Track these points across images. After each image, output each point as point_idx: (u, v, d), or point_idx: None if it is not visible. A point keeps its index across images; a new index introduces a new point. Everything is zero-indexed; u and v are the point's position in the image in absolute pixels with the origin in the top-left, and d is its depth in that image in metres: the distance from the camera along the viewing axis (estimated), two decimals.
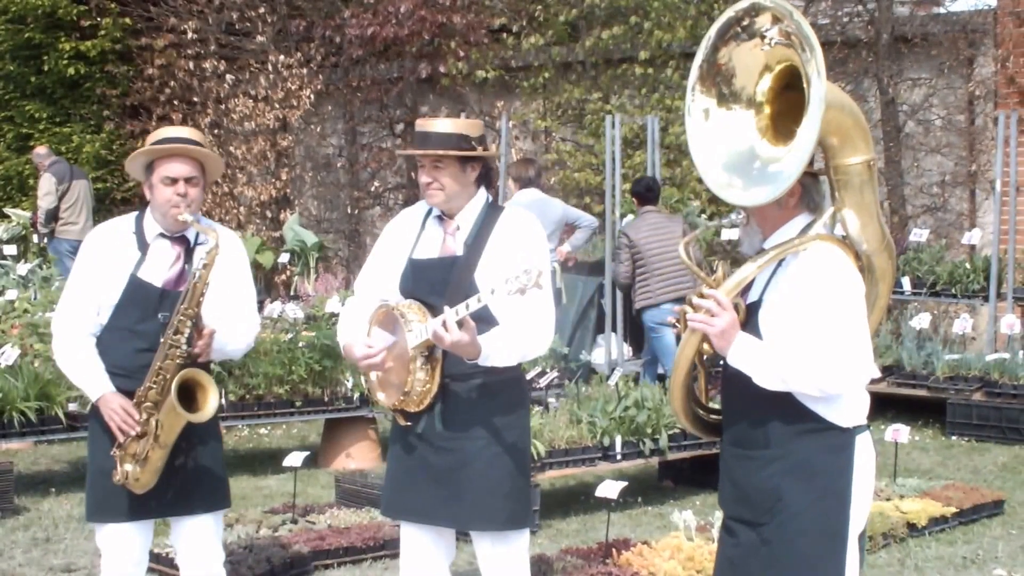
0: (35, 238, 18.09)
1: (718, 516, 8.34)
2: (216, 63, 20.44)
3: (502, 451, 5.46)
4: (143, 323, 5.75)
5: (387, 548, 8.27)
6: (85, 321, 5.84)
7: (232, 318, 5.90)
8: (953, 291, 13.43)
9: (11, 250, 16.78)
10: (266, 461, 11.36)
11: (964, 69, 16.43)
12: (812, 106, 4.38)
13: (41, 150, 18.46)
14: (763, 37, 4.60)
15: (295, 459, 9.02)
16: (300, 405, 11.15)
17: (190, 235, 5.84)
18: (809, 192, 4.74)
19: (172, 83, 20.74)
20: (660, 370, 12.89)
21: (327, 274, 17.42)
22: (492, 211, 5.55)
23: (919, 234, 13.74)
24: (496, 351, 5.27)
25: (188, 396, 5.65)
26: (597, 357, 14.22)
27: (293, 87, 19.90)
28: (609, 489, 7.90)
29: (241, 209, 20.47)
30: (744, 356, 4.57)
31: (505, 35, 19.01)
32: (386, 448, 10.76)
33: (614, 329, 14.81)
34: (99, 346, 5.83)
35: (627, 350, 15.11)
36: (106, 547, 5.93)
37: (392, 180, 20.44)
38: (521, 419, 5.61)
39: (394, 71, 19.95)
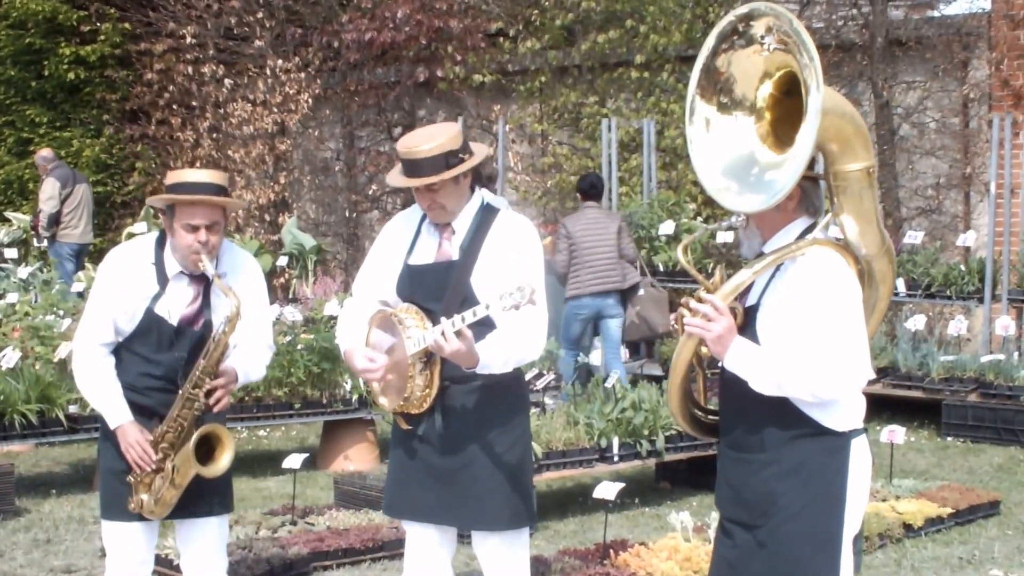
0: (35, 241, 18.07)
1: (715, 517, 8.34)
2: (215, 68, 20.44)
3: (503, 451, 5.45)
4: (157, 354, 5.77)
5: (385, 549, 8.27)
6: (105, 344, 5.85)
7: (251, 346, 5.92)
8: (948, 293, 13.43)
9: (12, 253, 16.75)
10: (265, 463, 11.35)
11: (958, 72, 16.44)
12: (809, 116, 4.37)
13: (45, 153, 18.43)
14: (761, 43, 4.58)
15: (294, 461, 9.01)
16: (299, 407, 11.15)
17: (208, 270, 5.79)
18: (809, 196, 4.73)
19: (171, 87, 20.76)
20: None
21: (325, 277, 17.40)
22: (487, 214, 5.53)
23: (914, 236, 13.74)
24: (493, 359, 5.26)
25: (205, 447, 5.72)
26: (594, 359, 14.20)
27: (291, 91, 19.89)
28: (606, 490, 7.90)
29: (240, 212, 20.44)
30: (740, 361, 4.56)
31: (502, 39, 19.01)
32: (384, 450, 10.80)
33: None
34: (115, 362, 5.86)
35: (624, 353, 15.10)
36: (112, 546, 5.94)
37: (391, 185, 20.38)
38: (521, 420, 5.60)
39: (391, 75, 19.96)
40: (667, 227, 14.43)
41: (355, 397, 11.30)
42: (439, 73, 19.06)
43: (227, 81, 20.35)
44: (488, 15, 19.26)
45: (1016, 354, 12.75)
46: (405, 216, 5.72)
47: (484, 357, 5.21)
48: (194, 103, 20.86)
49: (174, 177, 5.85)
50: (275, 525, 8.74)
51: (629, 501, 9.79)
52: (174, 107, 20.90)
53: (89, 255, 17.87)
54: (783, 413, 4.57)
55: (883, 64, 16.41)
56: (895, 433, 9.49)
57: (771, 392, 4.52)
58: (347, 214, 20.93)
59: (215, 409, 5.72)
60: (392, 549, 8.11)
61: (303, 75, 19.92)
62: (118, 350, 5.86)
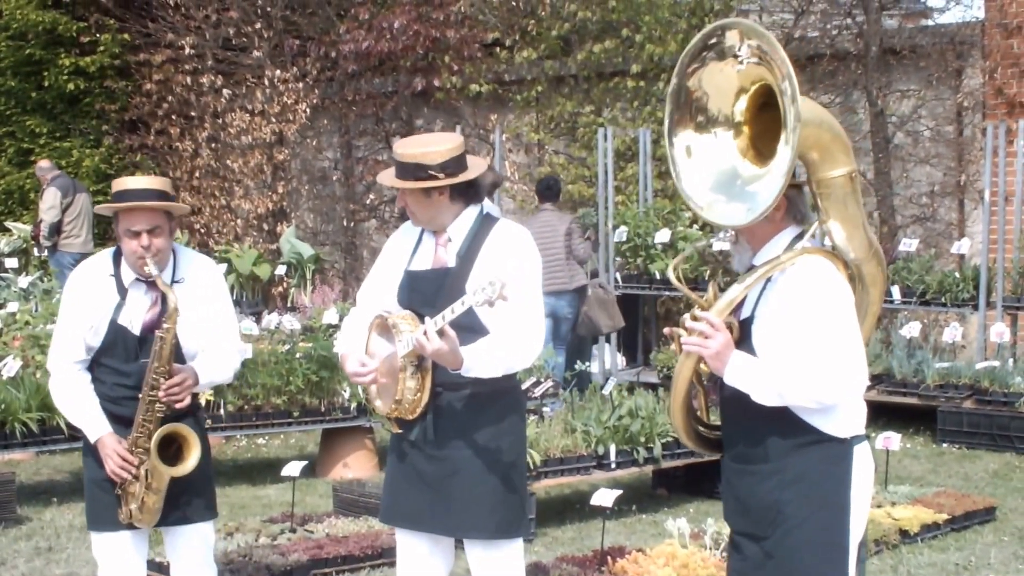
0: (36, 251, 18.07)
1: (711, 524, 8.36)
2: (213, 78, 20.46)
3: (493, 460, 5.43)
4: (126, 364, 5.80)
5: (384, 556, 8.26)
6: (77, 360, 5.89)
7: (215, 349, 5.93)
8: (943, 300, 13.42)
9: (12, 263, 16.79)
10: (264, 471, 11.34)
11: (952, 81, 16.46)
12: (788, 130, 4.38)
13: (44, 163, 18.43)
14: (736, 57, 4.58)
15: (293, 469, 9.00)
16: (298, 415, 11.15)
17: (166, 276, 5.82)
18: (795, 204, 4.73)
19: (170, 98, 20.78)
20: None
21: (323, 286, 17.40)
22: (485, 223, 5.53)
23: (909, 244, 13.75)
24: (479, 362, 5.24)
25: (174, 448, 5.75)
26: (592, 367, 14.25)
27: (289, 101, 19.91)
28: (604, 497, 7.89)
29: (238, 222, 20.48)
30: (740, 375, 4.56)
31: (498, 49, 19.03)
32: (383, 458, 10.80)
33: (608, 340, 14.84)
34: (93, 378, 5.90)
35: (621, 360, 15.13)
36: (103, 557, 5.94)
37: (388, 193, 20.40)
38: (514, 429, 5.56)
39: (389, 85, 19.97)
40: (663, 235, 14.44)
41: (354, 405, 11.30)
42: (436, 83, 19.07)
43: (225, 91, 20.37)
44: (484, 25, 19.28)
45: (1011, 361, 12.74)
46: (410, 224, 5.74)
47: (468, 359, 5.19)
48: (193, 113, 20.89)
49: (116, 185, 5.91)
50: (274, 533, 8.72)
51: (626, 508, 9.79)
52: (173, 117, 20.92)
53: None
54: (785, 423, 4.58)
55: (877, 73, 16.42)
56: (891, 440, 9.49)
57: (773, 402, 4.52)
58: (345, 223, 20.94)
59: (176, 407, 5.72)
60: (391, 556, 8.04)
61: (301, 85, 19.93)
62: (91, 366, 5.89)
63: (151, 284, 5.81)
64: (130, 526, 5.81)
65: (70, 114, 21.30)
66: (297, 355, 11.26)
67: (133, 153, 21.10)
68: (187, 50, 20.34)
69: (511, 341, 5.30)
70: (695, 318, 4.62)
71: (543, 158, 18.97)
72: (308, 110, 19.98)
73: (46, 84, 20.86)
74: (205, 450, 6.07)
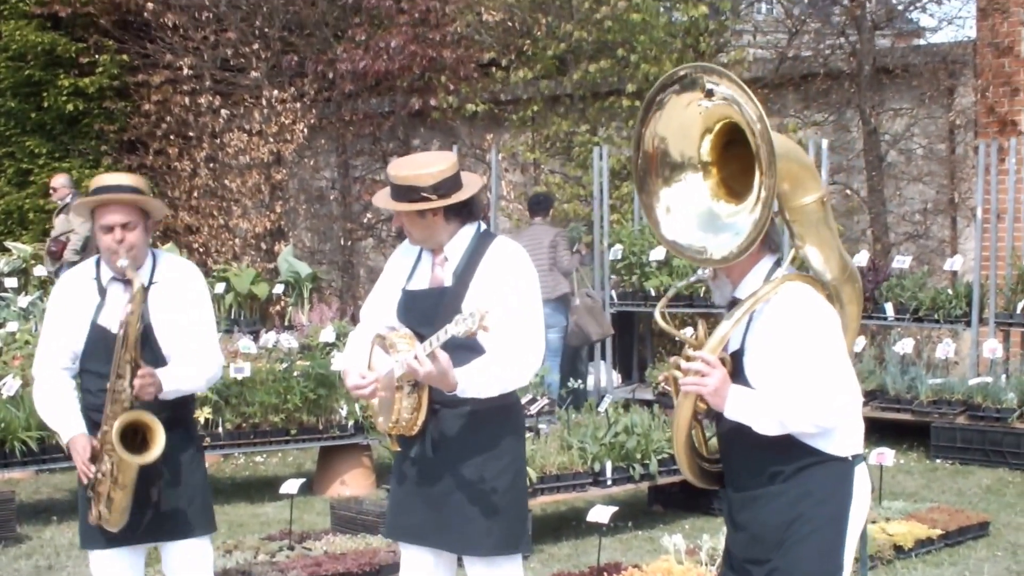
0: (49, 266, 18.00)
1: (707, 540, 8.36)
2: (211, 98, 20.47)
3: (491, 477, 5.43)
4: (106, 366, 5.73)
5: (382, 574, 8.25)
6: (61, 365, 5.91)
7: (186, 355, 5.88)
8: (936, 316, 13.44)
9: (12, 283, 16.77)
10: (263, 489, 11.33)
11: (944, 99, 16.48)
12: (763, 170, 4.41)
13: (64, 179, 18.32)
14: (709, 93, 4.58)
15: (291, 486, 9.00)
16: (295, 433, 11.15)
17: (143, 277, 5.82)
18: (769, 235, 4.74)
19: (168, 118, 20.77)
20: None
21: (321, 304, 17.41)
22: (483, 241, 5.53)
23: (902, 261, 13.76)
24: (473, 384, 5.24)
25: (140, 438, 5.67)
26: (588, 384, 14.27)
27: (287, 121, 19.91)
28: (600, 514, 7.89)
29: (236, 241, 20.47)
30: (741, 408, 4.58)
31: (494, 69, 19.05)
32: (380, 475, 10.82)
33: (603, 357, 14.85)
34: (79, 387, 5.92)
35: (616, 377, 15.13)
36: (98, 574, 5.92)
37: (385, 212, 20.39)
38: (513, 446, 5.57)
39: (386, 105, 19.99)
40: (657, 253, 14.45)
41: (351, 423, 11.30)
42: (433, 103, 19.08)
43: (223, 111, 20.38)
44: (480, 45, 19.29)
45: (1003, 377, 12.75)
46: (408, 242, 5.75)
47: (463, 381, 5.20)
48: (191, 133, 20.88)
49: (93, 183, 5.99)
50: (273, 550, 8.72)
51: (622, 524, 9.79)
52: (171, 137, 20.91)
53: None
54: (787, 447, 4.61)
55: (871, 92, 16.45)
56: (884, 455, 9.49)
57: (775, 432, 4.55)
58: (342, 242, 20.93)
59: (136, 393, 5.62)
60: (389, 573, 8.10)
61: (298, 105, 19.95)
62: (78, 374, 5.91)
63: (128, 283, 5.79)
64: (119, 540, 5.80)
65: (69, 135, 21.28)
66: (295, 373, 11.25)
67: (131, 173, 21.05)
68: (185, 71, 20.35)
69: (507, 360, 5.29)
70: (688, 358, 4.64)
71: (539, 177, 18.97)
72: (305, 130, 19.99)
73: (45, 105, 20.86)
74: (201, 464, 6.08)
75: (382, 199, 5.53)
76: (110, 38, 20.88)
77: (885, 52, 17.34)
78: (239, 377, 10.82)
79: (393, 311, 5.57)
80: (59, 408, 5.86)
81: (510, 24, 18.98)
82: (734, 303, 4.74)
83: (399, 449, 5.49)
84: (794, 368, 4.51)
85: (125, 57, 20.98)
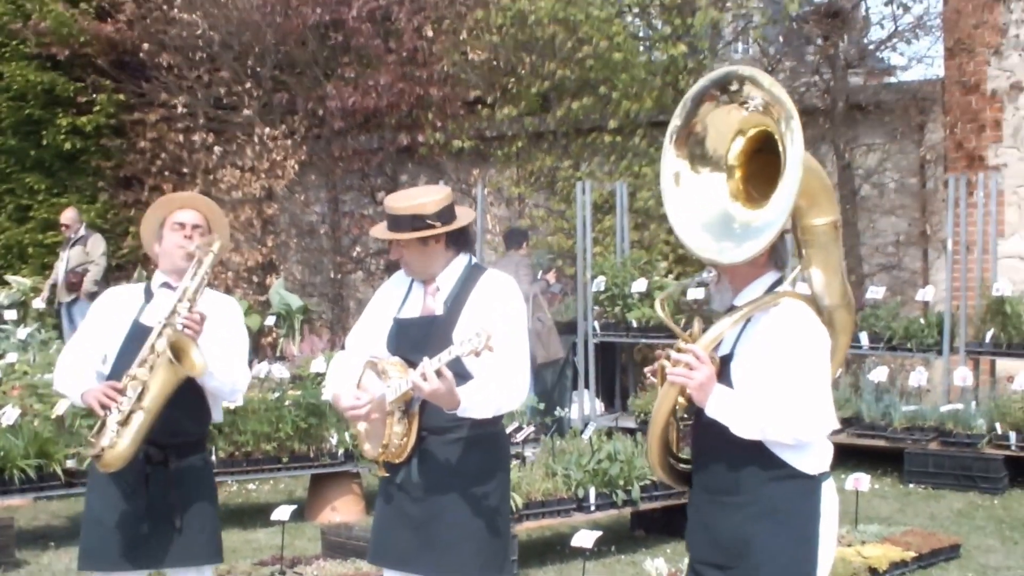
0: (41, 301, 17.97)
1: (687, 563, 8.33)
2: (205, 136, 20.48)
3: (477, 503, 5.42)
4: None
5: None
6: (86, 358, 5.88)
7: (227, 359, 5.91)
8: (909, 346, 13.46)
9: (11, 315, 16.77)
10: (255, 515, 11.29)
11: (915, 135, 16.54)
12: (790, 171, 4.36)
13: (74, 214, 18.34)
14: (743, 103, 4.57)
15: (283, 513, 8.96)
16: (287, 461, 11.13)
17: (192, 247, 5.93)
18: (778, 250, 4.74)
19: (163, 155, 20.76)
20: None
21: (312, 336, 17.38)
22: (473, 272, 5.55)
23: (876, 291, 13.77)
24: (474, 403, 5.23)
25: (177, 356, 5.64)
26: (572, 412, 14.26)
27: (278, 158, 19.90)
28: (584, 539, 7.87)
29: (229, 274, 20.42)
30: (722, 408, 4.55)
31: (480, 107, 19.08)
32: (370, 502, 10.77)
33: (587, 386, 14.84)
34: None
35: (599, 406, 15.12)
36: None
37: (373, 245, 20.42)
38: (498, 472, 5.56)
39: (374, 142, 20.00)
40: (640, 285, 14.48)
41: (341, 451, 11.29)
42: (420, 139, 19.12)
43: (216, 148, 20.37)
44: (467, 83, 19.33)
45: (973, 403, 12.77)
46: (400, 274, 5.75)
47: (465, 399, 5.19)
48: (185, 169, 20.86)
49: (166, 198, 6.20)
50: (265, 575, 8.69)
51: (606, 549, 9.76)
52: (166, 173, 20.90)
53: None
54: (758, 456, 4.57)
55: (844, 128, 16.51)
56: (860, 480, 9.48)
57: (753, 436, 4.51)
58: (332, 275, 20.91)
59: (188, 327, 5.67)
60: None
61: (289, 142, 19.94)
62: (108, 373, 5.84)
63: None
64: (123, 565, 5.75)
65: (67, 171, 21.32)
66: (286, 403, 11.24)
67: (127, 208, 21.07)
68: (180, 109, 20.37)
69: (502, 382, 5.30)
70: (680, 350, 4.61)
71: (523, 211, 19.00)
72: (296, 166, 19.97)
73: (44, 143, 20.89)
74: (214, 493, 6.07)
75: (382, 231, 5.53)
76: (107, 78, 20.91)
77: (858, 90, 17.41)
78: (232, 406, 10.79)
79: (382, 340, 5.56)
80: (77, 376, 5.82)
81: (495, 63, 19.01)
82: (731, 310, 4.72)
83: (387, 475, 5.47)
84: (780, 379, 4.48)
85: (121, 96, 21.01)
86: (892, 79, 18.69)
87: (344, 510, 11.23)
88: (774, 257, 4.74)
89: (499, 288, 5.51)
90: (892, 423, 12.68)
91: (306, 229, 21.45)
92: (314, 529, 10.64)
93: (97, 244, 18.02)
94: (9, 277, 19.41)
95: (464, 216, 5.57)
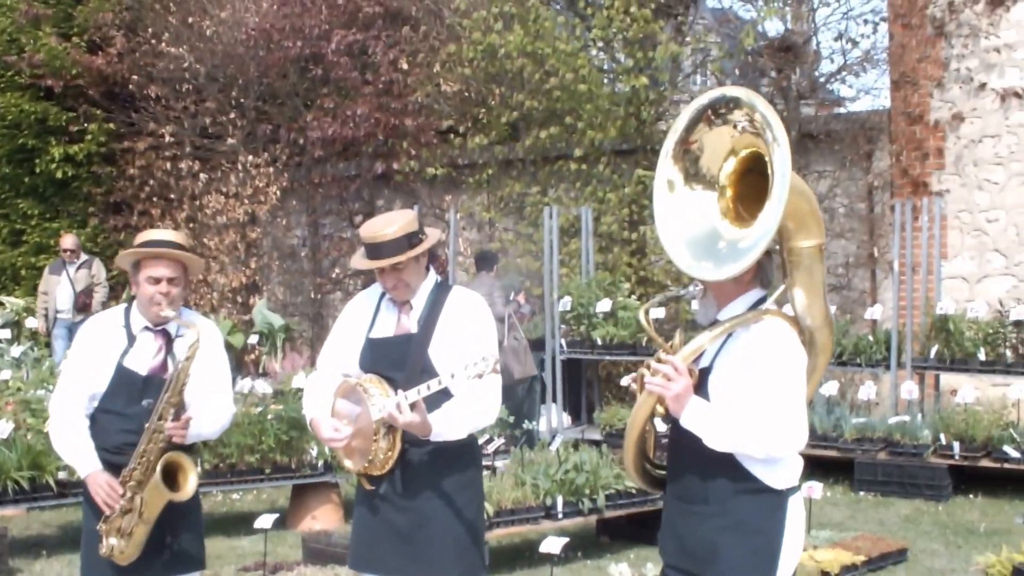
0: (35, 320, 17.89)
1: (651, 568, 8.34)
2: (191, 163, 20.46)
3: (458, 510, 5.43)
4: (129, 407, 5.70)
5: None
6: (78, 405, 5.80)
7: (207, 403, 5.83)
8: (858, 361, 13.51)
9: (5, 334, 16.68)
10: (239, 523, 11.24)
11: (863, 163, 16.59)
12: (776, 191, 4.30)
13: (74, 240, 18.25)
14: (735, 125, 4.54)
15: (265, 521, 8.93)
16: (269, 472, 11.09)
17: (171, 328, 5.82)
18: (764, 269, 4.69)
19: (151, 182, 20.74)
20: None
21: (293, 353, 17.36)
22: (441, 291, 5.55)
23: None
24: (446, 428, 5.25)
25: (170, 477, 5.62)
26: (540, 425, 14.25)
27: (261, 184, 19.90)
28: (552, 545, 7.85)
29: (214, 295, 20.40)
30: (697, 419, 4.50)
31: (452, 136, 19.09)
32: (348, 510, 10.73)
33: (555, 400, 14.83)
34: (92, 427, 5.78)
35: (566, 419, 15.11)
36: None
37: (355, 271, 20.36)
38: (474, 480, 5.59)
39: (352, 169, 19.98)
40: (604, 305, 14.50)
41: (321, 462, 11.26)
42: (396, 166, 19.11)
43: (202, 175, 20.36)
44: (439, 114, 19.35)
45: (919, 415, 12.82)
46: (366, 295, 5.73)
47: (437, 426, 5.19)
48: (172, 196, 20.84)
49: (141, 237, 5.95)
50: None
51: (573, 555, 9.75)
52: (154, 199, 20.88)
53: None
54: (729, 469, 4.52)
55: (797, 155, 16.53)
56: (813, 489, 9.48)
57: (725, 449, 4.47)
58: (312, 295, 20.89)
59: (174, 438, 5.59)
60: None
61: (272, 169, 19.94)
62: (94, 415, 5.79)
63: (159, 332, 5.82)
64: (120, 574, 5.74)
65: (59, 197, 21.24)
66: (269, 416, 11.21)
67: (117, 232, 21.01)
68: (167, 138, 20.37)
69: (474, 403, 5.30)
70: (660, 360, 4.57)
71: (494, 235, 19.00)
72: (278, 192, 19.99)
73: (38, 170, 20.83)
74: (198, 504, 6.03)
75: (365, 262, 5.45)
76: (98, 108, 20.87)
77: (809, 120, 17.47)
78: None
79: (353, 359, 5.54)
80: (77, 444, 5.74)
81: (467, 94, 19.04)
82: (714, 324, 4.67)
83: (372, 487, 5.46)
84: (758, 395, 4.43)
85: (112, 125, 20.97)
86: (841, 110, 18.75)
87: (324, 518, 11.19)
88: (760, 275, 4.69)
89: (469, 306, 5.52)
90: (843, 434, 12.71)
91: (287, 252, 21.41)
92: (295, 536, 10.60)
93: (100, 267, 18.00)
94: (3, 298, 19.31)
95: (433, 233, 5.56)
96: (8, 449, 10.02)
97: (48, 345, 17.38)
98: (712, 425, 4.48)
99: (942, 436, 12.21)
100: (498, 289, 14.62)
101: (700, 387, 4.58)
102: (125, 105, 20.95)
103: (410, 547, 5.41)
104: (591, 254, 15.87)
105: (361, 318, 5.64)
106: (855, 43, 17.32)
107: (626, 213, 17.15)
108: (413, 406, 5.07)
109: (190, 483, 5.65)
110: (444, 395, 5.25)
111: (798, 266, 4.71)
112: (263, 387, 12.01)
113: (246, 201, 20.05)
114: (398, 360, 5.38)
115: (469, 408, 5.30)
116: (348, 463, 5.46)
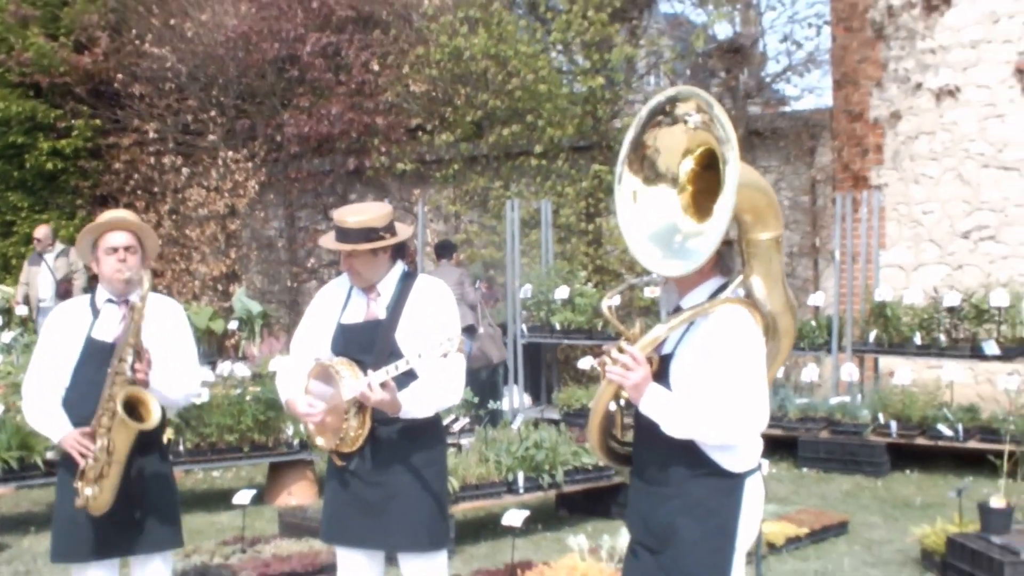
0: (24, 308, 17.78)
1: (607, 539, 8.34)
2: (174, 158, 20.37)
3: (424, 484, 5.44)
4: (99, 372, 5.63)
5: (324, 572, 8.17)
6: (49, 381, 5.78)
7: (172, 369, 5.79)
8: (801, 345, 13.53)
9: None
10: (218, 499, 11.19)
11: (807, 158, 16.65)
12: (726, 190, 4.26)
13: (47, 230, 18.08)
14: (685, 122, 4.48)
15: (243, 497, 8.91)
16: (247, 450, 11.05)
17: (134, 299, 5.75)
18: (724, 258, 4.63)
19: (136, 176, 20.66)
20: None
21: (270, 338, 17.29)
22: (408, 279, 5.57)
23: None
24: (415, 406, 5.28)
25: (133, 412, 5.56)
26: (503, 405, 14.24)
27: (240, 179, 19.83)
28: (513, 518, 7.86)
29: (196, 283, 20.34)
30: (654, 407, 4.46)
31: (420, 133, 19.04)
32: (322, 487, 10.68)
33: (516, 382, 14.83)
34: (66, 403, 5.74)
35: (527, 399, 15.12)
36: None
37: (326, 257, 20.37)
38: (439, 456, 5.60)
39: (327, 164, 19.94)
40: (562, 292, 14.52)
41: (297, 441, 11.23)
42: (367, 162, 19.09)
43: (184, 170, 20.28)
44: (409, 113, 19.30)
45: (859, 396, 12.88)
46: (337, 283, 5.74)
47: (406, 404, 5.22)
48: (156, 189, 20.76)
49: (99, 218, 6.03)
50: (227, 553, 8.61)
51: (533, 527, 9.74)
52: (138, 192, 20.79)
53: None
54: (687, 453, 4.49)
55: (744, 151, 16.49)
56: (760, 466, 9.53)
57: (680, 435, 4.43)
58: (289, 284, 20.85)
59: (138, 374, 5.57)
60: (331, 572, 7.95)
61: (250, 164, 19.87)
62: (69, 389, 5.76)
63: (122, 303, 5.81)
64: (95, 555, 5.69)
65: (48, 190, 21.14)
66: (247, 398, 11.18)
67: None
68: (151, 134, 20.29)
69: (441, 383, 5.32)
70: (621, 350, 4.52)
71: (459, 226, 18.98)
72: (256, 186, 19.93)
73: (27, 165, 20.72)
74: (172, 483, 6.00)
75: (331, 242, 5.50)
76: (84, 105, 20.78)
77: (756, 118, 17.51)
78: (198, 402, 10.72)
79: (326, 343, 5.56)
80: (50, 415, 5.72)
81: (434, 94, 18.99)
82: (677, 311, 4.64)
83: (343, 464, 5.45)
84: (715, 382, 4.38)
85: (98, 122, 20.89)
86: (786, 108, 18.79)
87: (299, 494, 11.16)
88: (720, 264, 4.63)
89: (434, 293, 5.54)
90: (787, 414, 12.74)
91: (265, 243, 21.35)
92: (272, 512, 10.56)
93: (78, 256, 17.88)
94: None
95: (404, 230, 5.57)
96: None
97: (36, 332, 17.27)
98: (669, 413, 4.44)
99: (880, 416, 12.25)
100: (467, 277, 14.61)
101: (663, 373, 4.55)
102: (110, 102, 20.85)
103: (379, 520, 5.41)
104: (550, 244, 15.87)
105: (333, 305, 5.66)
106: (799, 45, 17.45)
107: (583, 206, 17.17)
108: (383, 385, 5.08)
109: (154, 413, 5.58)
110: (411, 376, 5.25)
111: (756, 257, 4.65)
112: (242, 370, 11.97)
113: (226, 194, 19.97)
114: (367, 344, 5.39)
115: (436, 387, 5.32)
116: (320, 441, 5.46)
